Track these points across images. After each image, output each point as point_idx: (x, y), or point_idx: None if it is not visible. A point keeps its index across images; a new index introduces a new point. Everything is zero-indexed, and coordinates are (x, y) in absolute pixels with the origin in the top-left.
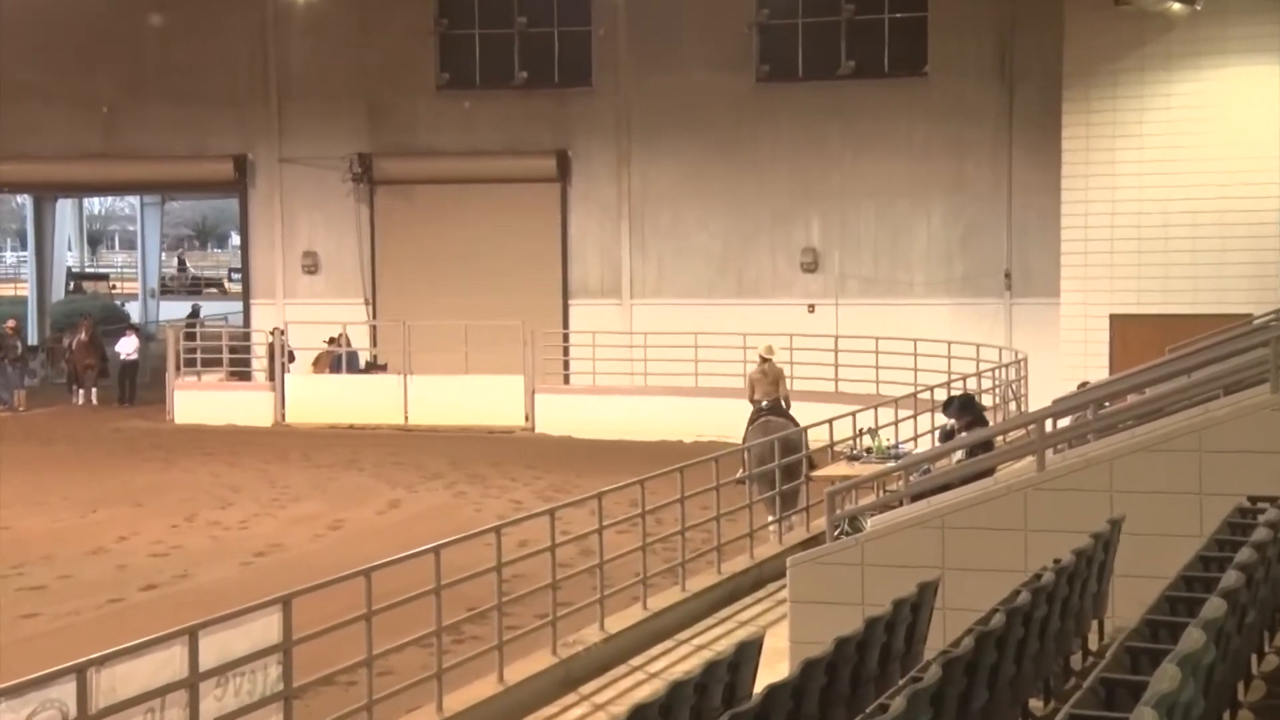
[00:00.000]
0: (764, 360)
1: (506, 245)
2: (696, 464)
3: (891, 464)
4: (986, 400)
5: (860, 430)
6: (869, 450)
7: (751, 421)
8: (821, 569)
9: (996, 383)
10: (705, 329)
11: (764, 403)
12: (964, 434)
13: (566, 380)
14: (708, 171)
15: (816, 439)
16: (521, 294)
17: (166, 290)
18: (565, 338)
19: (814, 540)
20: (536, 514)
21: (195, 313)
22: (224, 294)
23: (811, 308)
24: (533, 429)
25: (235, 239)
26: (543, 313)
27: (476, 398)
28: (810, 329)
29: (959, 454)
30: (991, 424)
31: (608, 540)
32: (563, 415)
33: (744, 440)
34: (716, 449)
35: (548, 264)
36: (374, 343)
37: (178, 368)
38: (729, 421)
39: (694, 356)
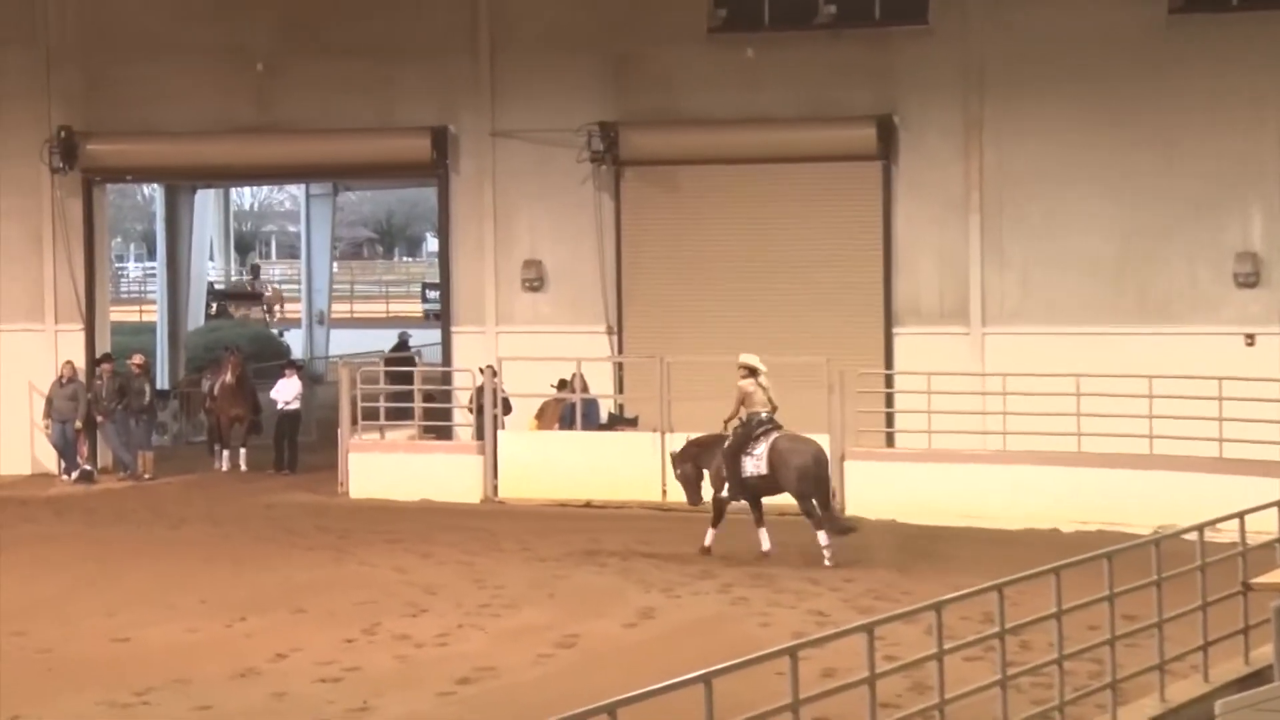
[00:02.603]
0: (755, 372)
1: (803, 250)
2: (1080, 563)
3: None
4: None
5: None
6: None
7: (753, 437)
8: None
9: None
10: (1091, 368)
11: (763, 414)
12: None
13: (890, 441)
14: (1095, 145)
15: (1261, 530)
16: (825, 318)
17: (237, 297)
18: (888, 381)
19: (1254, 677)
20: (848, 630)
21: (403, 344)
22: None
23: (1250, 338)
24: (842, 509)
25: (431, 243)
26: (855, 346)
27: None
28: (1248, 368)
29: None
30: None
31: (951, 669)
32: (884, 490)
33: (772, 461)
34: (1108, 541)
35: (862, 276)
36: (619, 387)
37: (354, 421)
38: (1128, 501)
39: (1075, 408)
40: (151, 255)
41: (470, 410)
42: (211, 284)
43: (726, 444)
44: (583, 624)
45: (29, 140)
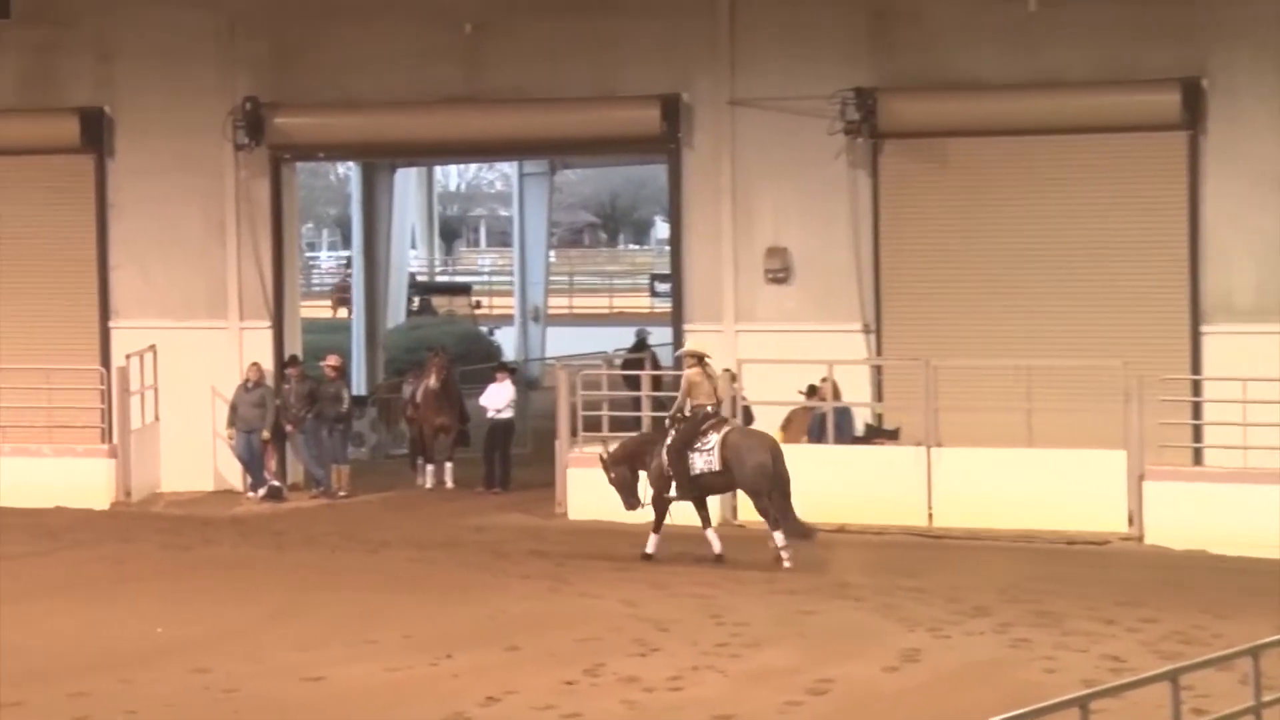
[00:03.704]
0: (702, 359)
1: (1094, 235)
2: None
3: None
4: None
5: None
6: None
7: (701, 431)
8: None
9: None
10: None
11: (709, 407)
12: None
13: (1197, 458)
14: None
15: None
16: (1120, 316)
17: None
18: (1195, 388)
19: None
20: (1149, 678)
21: (642, 343)
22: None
23: None
24: (1140, 538)
25: (661, 228)
26: (1156, 347)
27: (1044, 486)
28: None
29: None
30: None
31: None
32: (1190, 515)
33: (726, 452)
34: None
35: (1164, 265)
36: (877, 394)
37: (574, 432)
38: None
39: None
40: (346, 243)
41: None
42: (413, 275)
43: (669, 441)
44: (836, 667)
45: (211, 114)
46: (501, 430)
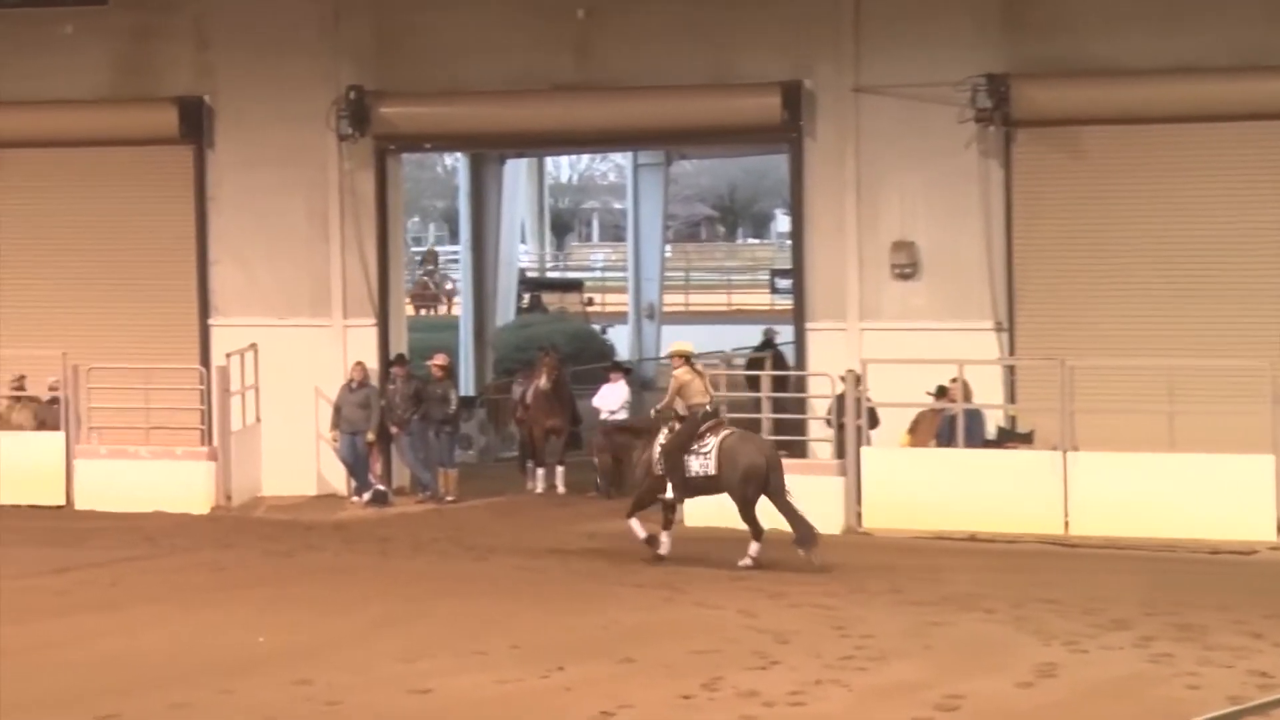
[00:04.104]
0: (689, 358)
1: (1240, 228)
2: None
3: None
4: None
5: None
6: None
7: (699, 433)
8: None
9: None
10: None
11: (706, 406)
12: None
13: None
14: None
15: None
16: (1269, 314)
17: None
18: None
19: None
20: None
21: (769, 342)
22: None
23: None
24: None
25: (781, 222)
26: None
27: (1186, 492)
28: None
29: None
30: None
31: None
32: None
33: (721, 456)
34: None
35: None
36: (1010, 395)
37: None
38: None
39: None
40: (454, 237)
41: (828, 423)
42: (523, 271)
43: (667, 440)
44: (967, 682)
45: (314, 103)
46: None
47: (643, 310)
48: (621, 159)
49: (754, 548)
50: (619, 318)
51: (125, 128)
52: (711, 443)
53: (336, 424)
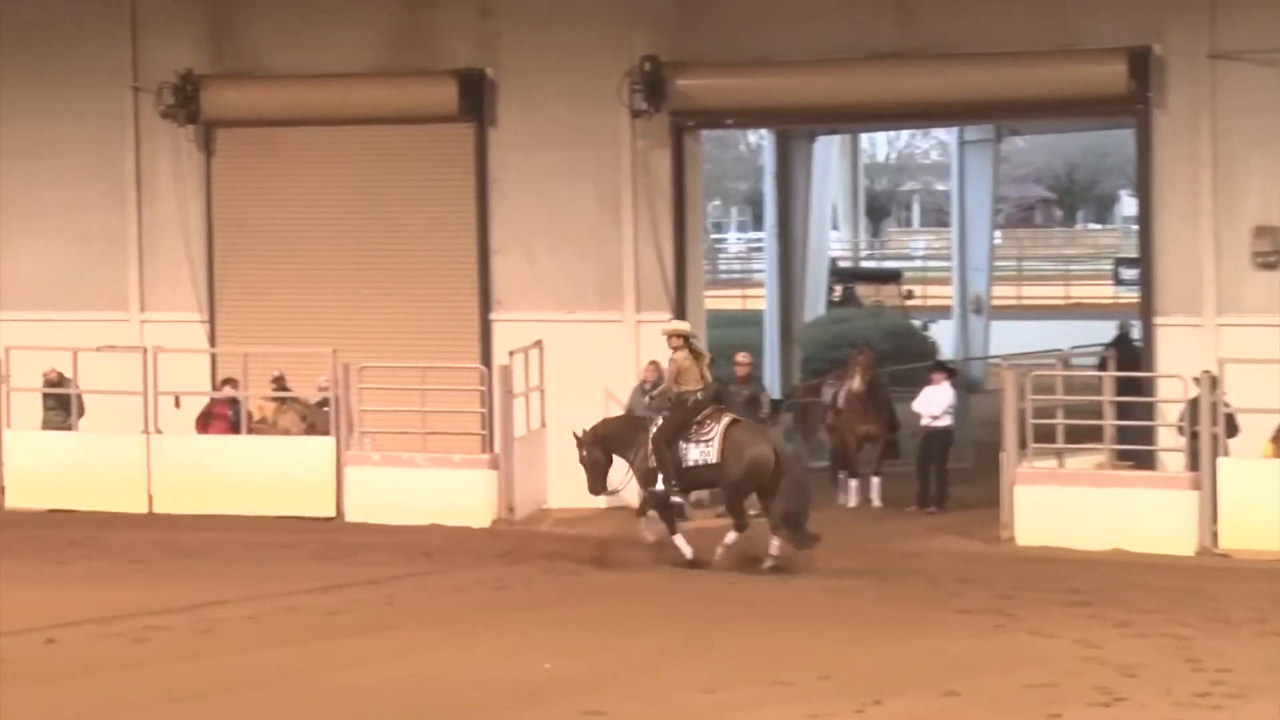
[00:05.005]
0: (688, 339)
1: None
2: None
3: None
4: None
5: None
6: None
7: (696, 420)
8: None
9: None
10: None
11: (700, 394)
12: None
13: None
14: None
15: None
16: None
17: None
18: None
19: None
20: None
21: (1124, 337)
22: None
23: None
24: None
25: (1127, 205)
26: None
27: None
28: None
29: None
30: None
31: None
32: None
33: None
34: None
35: None
36: None
37: (1022, 444)
38: None
39: None
40: (758, 224)
41: (1180, 431)
42: (834, 260)
43: (657, 428)
44: None
45: (605, 77)
46: (938, 440)
47: (969, 304)
48: (945, 135)
49: (731, 536)
50: (942, 312)
51: (400, 104)
52: (715, 430)
53: None
